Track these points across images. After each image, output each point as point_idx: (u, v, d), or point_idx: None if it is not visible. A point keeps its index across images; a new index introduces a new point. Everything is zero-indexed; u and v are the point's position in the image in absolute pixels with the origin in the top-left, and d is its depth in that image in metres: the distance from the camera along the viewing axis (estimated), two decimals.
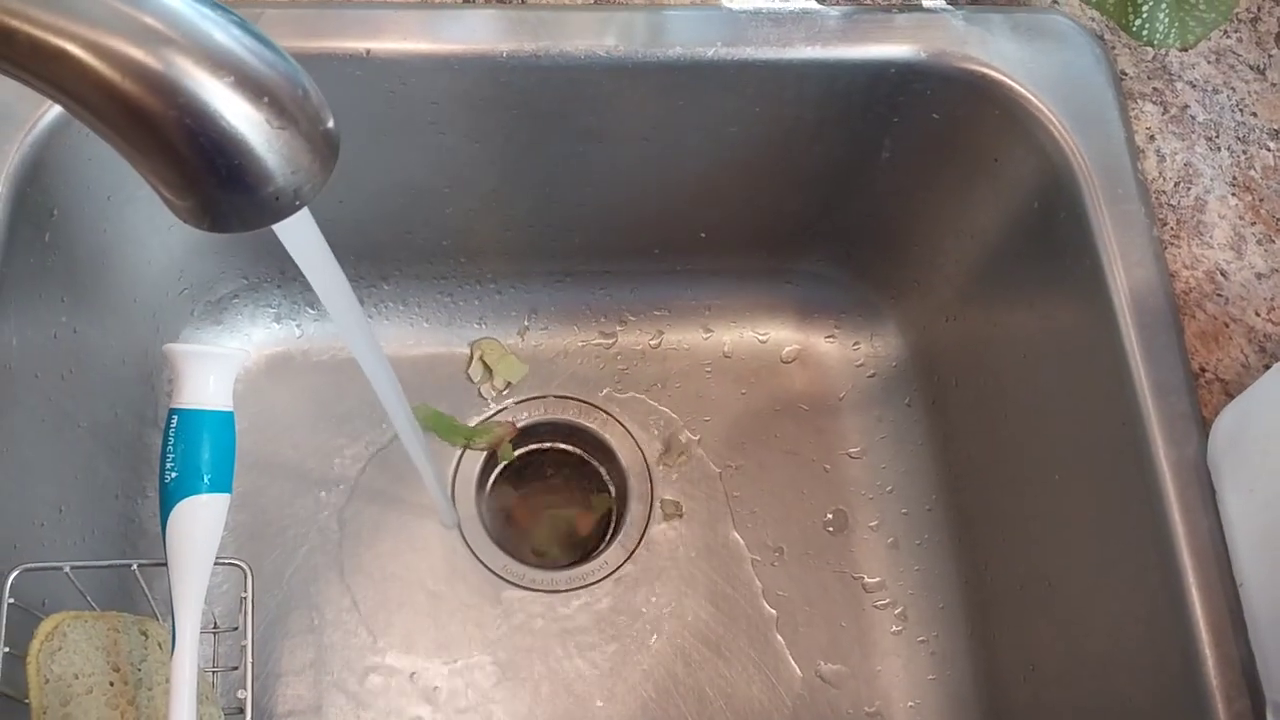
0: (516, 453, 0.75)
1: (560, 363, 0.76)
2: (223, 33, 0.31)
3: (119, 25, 0.30)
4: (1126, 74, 0.59)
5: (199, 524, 0.47)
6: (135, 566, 0.49)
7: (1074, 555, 0.58)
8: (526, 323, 0.75)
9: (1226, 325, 0.54)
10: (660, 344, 0.77)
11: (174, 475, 0.46)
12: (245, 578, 0.50)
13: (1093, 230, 0.55)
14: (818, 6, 0.57)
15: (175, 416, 0.47)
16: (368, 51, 0.54)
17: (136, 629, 0.53)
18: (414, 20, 0.55)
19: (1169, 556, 0.50)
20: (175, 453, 0.46)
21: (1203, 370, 0.53)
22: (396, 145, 0.61)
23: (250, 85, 0.30)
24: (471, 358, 0.74)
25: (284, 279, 0.71)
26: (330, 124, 0.33)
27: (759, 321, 0.77)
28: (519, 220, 0.70)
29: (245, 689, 0.48)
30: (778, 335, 0.77)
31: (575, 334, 0.76)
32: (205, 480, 0.47)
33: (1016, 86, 0.57)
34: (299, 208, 0.33)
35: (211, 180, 0.31)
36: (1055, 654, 0.60)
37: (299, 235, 0.36)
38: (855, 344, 0.76)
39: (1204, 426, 0.51)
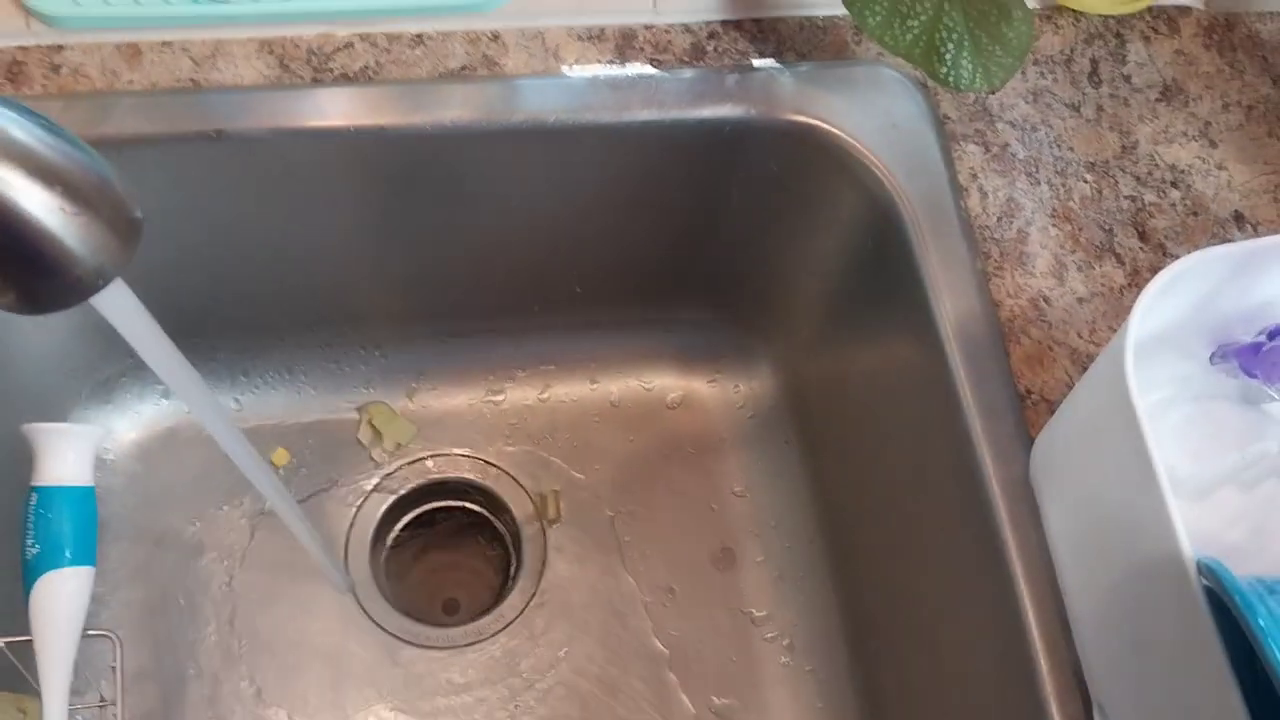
0: (412, 514, 0.77)
1: (450, 421, 0.78)
2: (16, 128, 0.33)
3: None
4: (949, 117, 0.63)
5: (62, 597, 0.48)
6: (2, 644, 0.50)
7: (928, 578, 0.60)
8: (414, 384, 0.78)
9: (1050, 349, 0.57)
10: (549, 397, 0.79)
11: (35, 551, 0.48)
12: (115, 648, 0.51)
13: (918, 266, 0.58)
14: (654, 71, 0.61)
15: (35, 494, 0.48)
16: (219, 132, 0.57)
17: (13, 707, 0.54)
18: (264, 101, 0.57)
19: (1004, 571, 0.53)
20: (36, 529, 0.48)
21: (1029, 392, 0.56)
22: (263, 218, 0.63)
23: (41, 175, 0.33)
24: (361, 422, 0.76)
25: None
26: (130, 206, 0.35)
27: (643, 370, 0.79)
28: (396, 284, 0.72)
29: None
30: (661, 382, 0.79)
31: (464, 392, 0.78)
32: (67, 554, 0.48)
33: (842, 135, 0.60)
34: (104, 285, 0.35)
35: (16, 267, 0.33)
36: (919, 672, 0.62)
37: (117, 308, 0.38)
38: (736, 386, 0.78)
39: (1030, 446, 0.54)
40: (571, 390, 0.79)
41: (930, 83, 0.63)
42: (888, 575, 0.66)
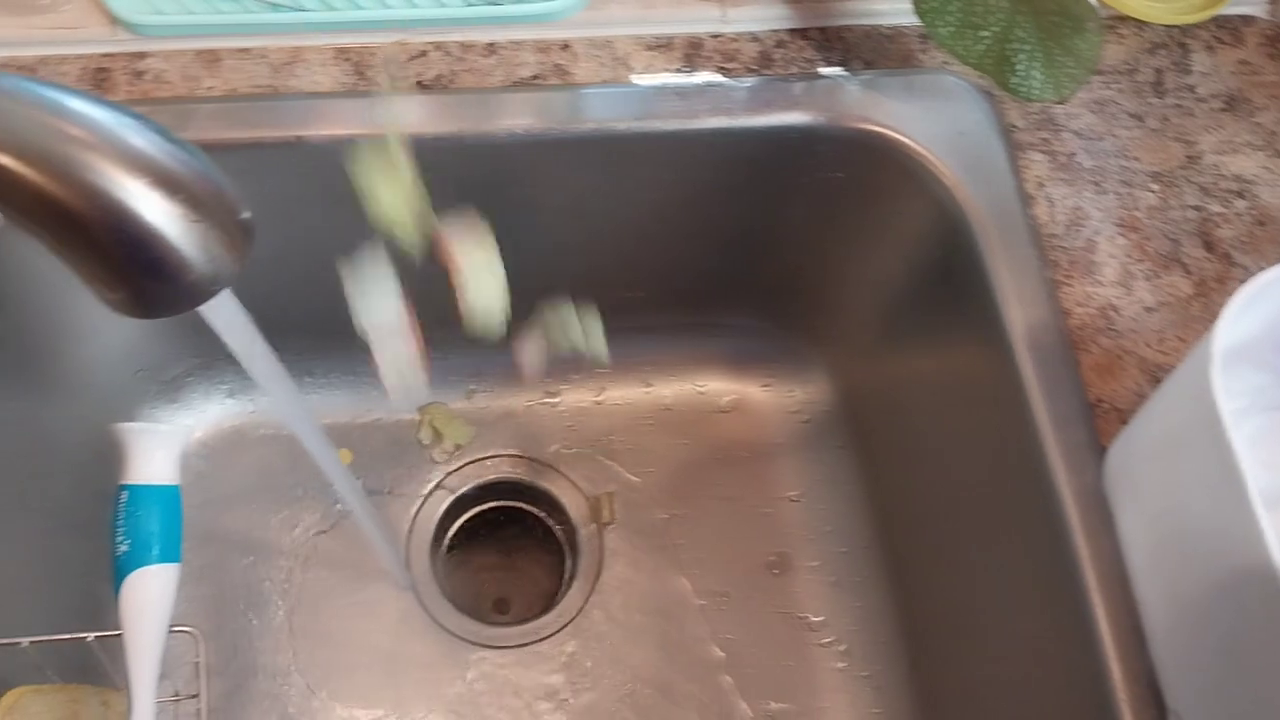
0: (469, 514, 0.77)
1: (507, 423, 0.79)
2: (139, 137, 0.34)
3: (44, 135, 0.33)
4: (1015, 126, 0.63)
5: (150, 594, 0.49)
6: (92, 638, 0.51)
7: (992, 583, 0.60)
8: (473, 386, 0.78)
9: (1120, 357, 0.58)
10: (604, 400, 0.80)
11: (125, 548, 0.49)
12: (197, 644, 0.52)
13: (988, 274, 0.58)
14: (721, 79, 0.61)
15: (125, 492, 0.49)
16: (298, 138, 0.58)
17: (97, 700, 0.55)
18: (341, 107, 0.58)
19: (1075, 579, 0.53)
20: (126, 526, 0.49)
21: (1100, 401, 0.56)
22: (334, 224, 0.64)
23: (165, 183, 0.34)
24: (421, 422, 0.77)
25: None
26: (244, 213, 0.36)
27: (696, 374, 0.80)
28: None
29: None
30: (715, 386, 0.80)
31: (521, 394, 0.79)
32: (155, 551, 0.49)
33: (910, 143, 0.61)
34: (217, 292, 0.36)
35: (135, 272, 0.34)
36: (985, 679, 0.62)
37: (223, 316, 0.39)
38: (789, 391, 0.79)
39: (1102, 454, 0.55)
40: (626, 393, 0.80)
41: (996, 91, 0.64)
42: (948, 582, 0.66)
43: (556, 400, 0.79)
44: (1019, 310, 0.58)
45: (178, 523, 0.50)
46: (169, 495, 0.50)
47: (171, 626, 0.50)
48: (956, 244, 0.60)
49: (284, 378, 0.44)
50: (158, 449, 0.49)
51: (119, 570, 0.48)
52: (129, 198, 0.33)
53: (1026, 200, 0.61)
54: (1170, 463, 0.46)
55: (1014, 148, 0.62)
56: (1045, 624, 0.56)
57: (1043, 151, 0.63)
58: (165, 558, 0.49)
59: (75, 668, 0.61)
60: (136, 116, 0.35)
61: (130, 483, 0.49)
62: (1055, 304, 0.58)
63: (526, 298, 0.73)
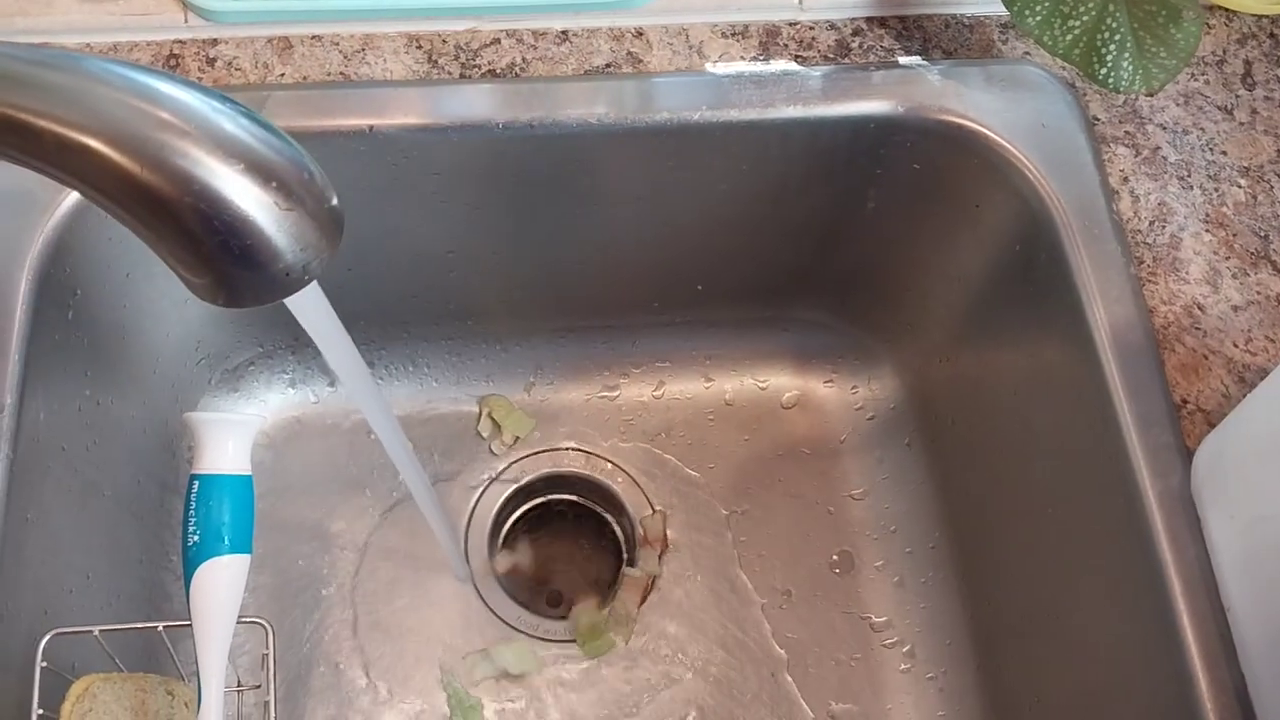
0: (527, 506, 0.77)
1: (566, 416, 0.78)
2: (232, 123, 0.33)
3: (137, 120, 0.32)
4: (1099, 119, 0.61)
5: (221, 584, 0.49)
6: (161, 628, 0.51)
7: (1070, 587, 0.59)
8: (532, 378, 0.78)
9: (1206, 357, 0.56)
10: (663, 394, 0.79)
11: (196, 538, 0.49)
12: (267, 635, 0.52)
13: (1071, 270, 0.57)
14: (798, 68, 0.60)
15: (196, 482, 0.49)
16: (370, 128, 0.57)
17: (163, 689, 0.54)
18: (414, 96, 0.58)
19: (1159, 584, 0.51)
20: (197, 516, 0.49)
21: (1184, 402, 0.55)
22: (402, 214, 0.63)
23: (258, 171, 0.33)
24: (480, 414, 0.76)
25: (298, 345, 0.74)
26: (335, 202, 0.35)
27: (758, 369, 0.79)
28: (522, 281, 0.72)
29: None
30: (777, 382, 0.79)
31: (580, 388, 0.78)
32: (226, 542, 0.49)
33: (992, 135, 0.59)
34: (308, 282, 0.35)
35: (225, 260, 0.34)
36: (1058, 685, 0.61)
37: (309, 307, 0.38)
38: (853, 388, 0.78)
39: (1187, 456, 0.53)
40: (686, 388, 0.79)
41: (1079, 82, 0.62)
42: (1021, 584, 0.64)
43: (615, 394, 0.78)
44: (1103, 308, 0.56)
45: (249, 513, 0.49)
46: (240, 485, 0.49)
47: (242, 618, 0.50)
48: (1039, 239, 0.59)
49: (363, 370, 0.44)
50: (229, 439, 0.49)
51: (190, 561, 0.48)
52: (221, 184, 0.32)
53: (1110, 195, 0.59)
54: (1271, 468, 0.45)
55: (1097, 141, 0.60)
56: (1125, 629, 0.54)
57: (1127, 145, 0.61)
58: (236, 548, 0.49)
59: (138, 657, 0.61)
60: (228, 101, 0.34)
61: (202, 473, 0.48)
62: (1141, 302, 0.56)
63: (592, 289, 0.73)
